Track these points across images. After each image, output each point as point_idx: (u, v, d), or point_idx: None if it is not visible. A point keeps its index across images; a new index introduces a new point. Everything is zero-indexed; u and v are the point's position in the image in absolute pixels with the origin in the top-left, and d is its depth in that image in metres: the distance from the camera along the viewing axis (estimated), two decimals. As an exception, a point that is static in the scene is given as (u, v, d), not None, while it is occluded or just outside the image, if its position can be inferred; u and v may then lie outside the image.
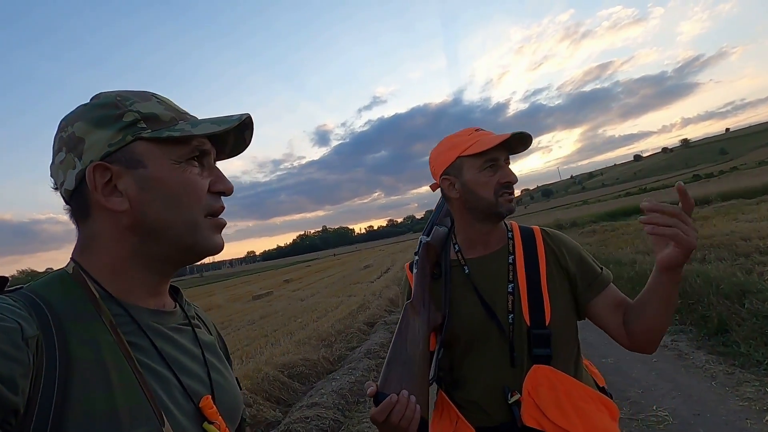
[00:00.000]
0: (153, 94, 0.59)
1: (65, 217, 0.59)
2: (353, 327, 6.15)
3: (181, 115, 0.59)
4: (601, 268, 1.01)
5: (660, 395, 2.89)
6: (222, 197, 0.61)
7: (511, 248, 1.01)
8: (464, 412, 0.95)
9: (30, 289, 0.51)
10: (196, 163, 0.58)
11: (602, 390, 0.97)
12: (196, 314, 0.70)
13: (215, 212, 0.59)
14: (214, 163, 0.63)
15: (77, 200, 0.56)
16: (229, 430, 0.58)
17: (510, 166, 1.02)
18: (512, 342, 0.93)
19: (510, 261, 0.99)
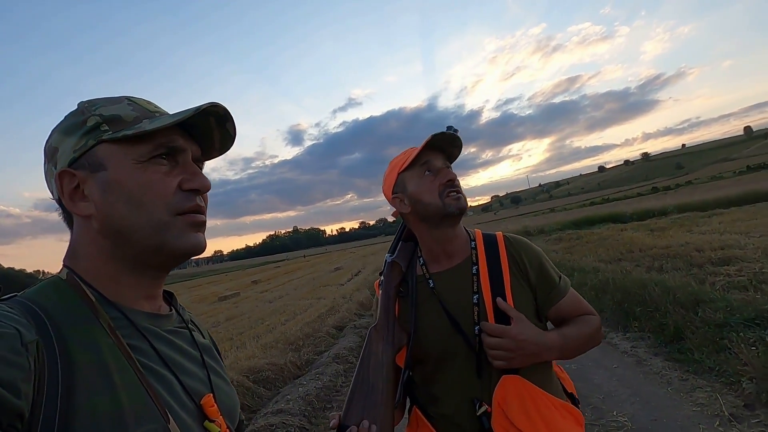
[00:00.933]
0: (127, 97, 0.59)
1: (17, 209, 0.55)
2: (322, 331, 6.06)
3: (149, 114, 0.58)
4: (560, 277, 1.02)
5: (620, 401, 2.99)
6: (200, 195, 0.59)
7: (474, 258, 1.01)
8: (437, 426, 0.95)
9: (25, 297, 0.52)
10: (165, 161, 0.57)
11: (570, 395, 1.00)
12: (191, 319, 0.70)
13: (187, 210, 0.57)
14: (200, 160, 0.62)
15: (63, 208, 0.58)
16: (228, 428, 0.59)
17: (459, 171, 1.03)
18: (478, 353, 0.93)
19: (474, 271, 0.99)
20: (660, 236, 8.57)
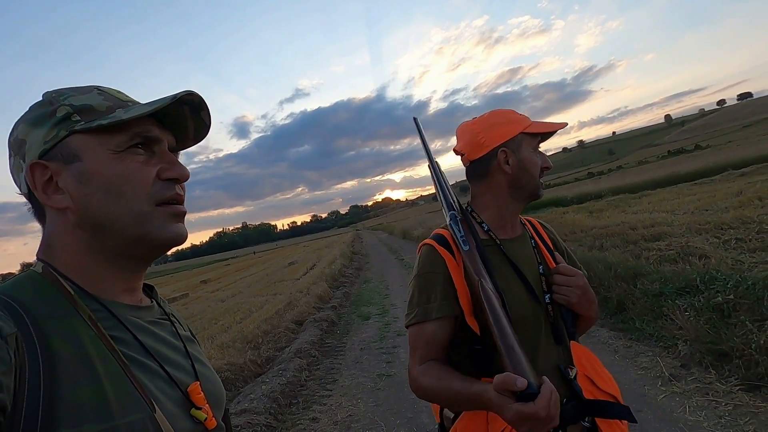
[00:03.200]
0: (96, 87, 0.58)
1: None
2: (281, 326, 5.91)
3: (122, 104, 0.57)
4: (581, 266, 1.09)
5: (573, 371, 3.19)
6: (179, 184, 0.58)
7: (530, 233, 1.06)
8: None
9: None
10: (142, 150, 0.56)
11: None
12: (171, 313, 0.69)
13: (167, 200, 0.57)
14: (175, 150, 0.61)
15: (33, 202, 0.56)
16: (215, 417, 0.59)
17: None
18: (555, 321, 0.96)
19: (533, 244, 1.03)
20: (598, 217, 9.19)
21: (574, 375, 0.91)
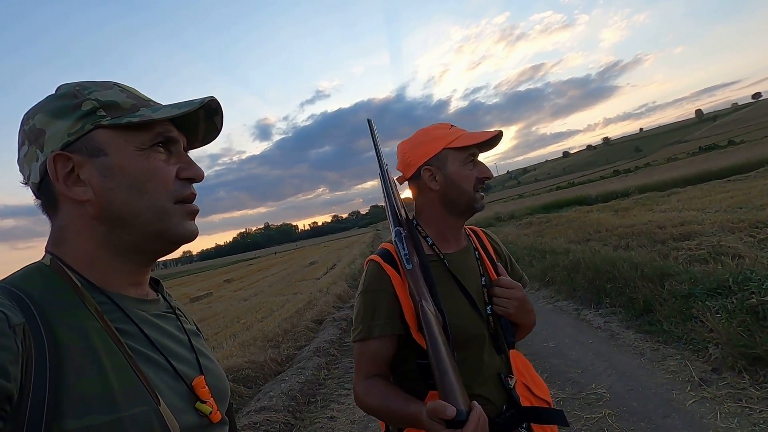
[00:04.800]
0: (115, 83, 0.59)
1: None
2: (300, 325, 5.97)
3: (144, 102, 0.59)
4: (522, 273, 1.16)
5: (597, 374, 3.09)
6: (193, 184, 0.61)
7: (474, 245, 1.08)
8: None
9: (8, 282, 0.51)
10: (162, 149, 0.58)
11: None
12: (177, 307, 0.70)
13: (185, 199, 0.59)
14: (185, 150, 0.62)
15: (45, 193, 0.56)
16: (219, 410, 0.60)
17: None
18: (495, 332, 0.99)
19: (476, 256, 1.06)
20: (624, 216, 8.93)
21: (513, 384, 0.96)
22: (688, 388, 2.64)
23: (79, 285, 0.53)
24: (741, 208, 6.77)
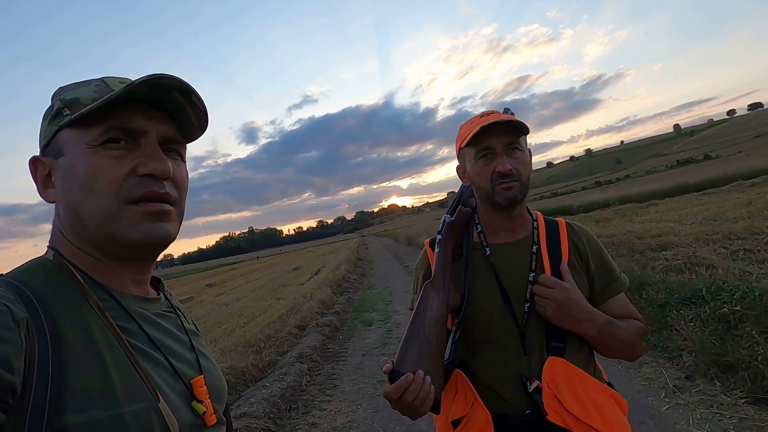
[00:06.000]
0: (102, 79, 0.57)
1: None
2: (283, 331, 5.91)
3: (108, 93, 0.54)
4: (620, 272, 1.01)
5: (576, 381, 3.14)
6: (162, 181, 0.55)
7: (535, 238, 1.00)
8: (482, 396, 0.93)
9: (11, 277, 0.51)
10: (120, 144, 0.54)
11: (609, 384, 0.98)
12: (177, 306, 0.69)
13: (141, 198, 0.54)
14: (177, 142, 0.59)
15: None
16: (216, 411, 0.59)
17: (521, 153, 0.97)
18: (523, 331, 0.93)
19: (534, 251, 0.98)
20: (605, 226, 9.12)
21: (533, 388, 0.89)
22: (663, 394, 2.71)
23: (82, 281, 0.53)
24: (715, 221, 6.99)
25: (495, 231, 1.02)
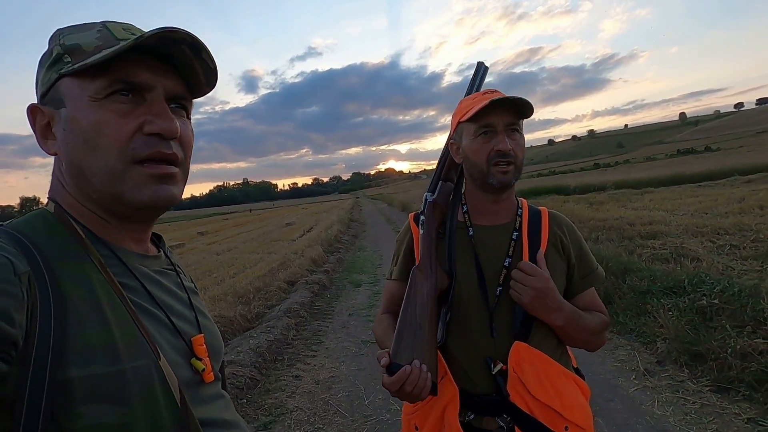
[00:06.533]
0: (103, 23, 0.54)
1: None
2: (273, 285, 6.02)
3: (115, 42, 0.51)
4: (597, 265, 1.04)
5: (552, 357, 3.28)
6: (169, 141, 0.53)
7: (517, 225, 1.01)
8: (451, 371, 0.96)
9: (12, 227, 0.50)
10: (126, 98, 0.51)
11: (576, 370, 1.02)
12: (177, 263, 0.69)
13: (147, 158, 0.52)
14: (183, 98, 0.57)
15: None
16: (213, 369, 0.60)
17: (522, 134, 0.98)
18: (492, 313, 0.95)
19: (513, 237, 0.99)
20: (598, 209, 9.18)
21: (496, 370, 0.91)
22: (633, 377, 2.84)
23: (83, 236, 0.52)
24: (706, 214, 7.06)
25: (480, 213, 1.03)
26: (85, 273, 0.49)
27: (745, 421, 2.24)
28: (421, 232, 0.99)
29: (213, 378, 0.59)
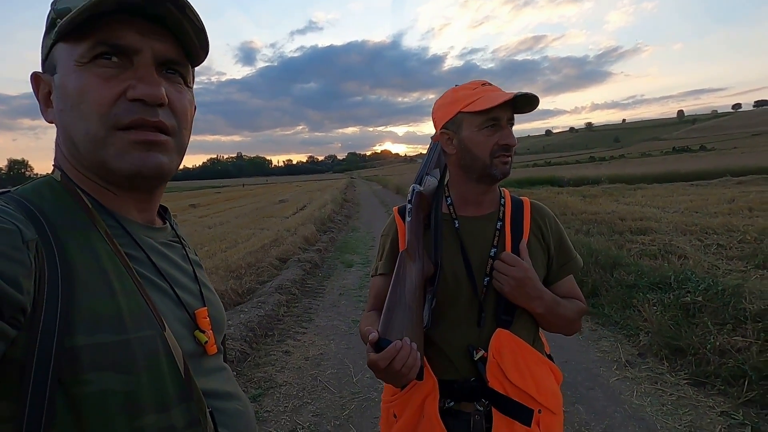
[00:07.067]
0: None
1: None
2: (265, 261, 6.03)
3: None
4: (576, 254, 1.07)
5: (537, 344, 3.36)
6: (156, 108, 0.51)
7: (500, 215, 1.03)
8: (431, 362, 0.97)
9: (19, 194, 0.50)
10: (111, 62, 0.49)
11: (549, 356, 1.06)
12: (182, 236, 0.68)
13: (130, 125, 0.50)
14: (177, 63, 0.54)
15: None
16: (216, 342, 0.61)
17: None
18: (482, 303, 0.97)
19: (498, 227, 1.01)
20: (591, 203, 9.26)
21: (478, 356, 0.94)
22: (615, 367, 2.92)
23: (90, 206, 0.51)
24: (696, 213, 7.17)
25: (465, 203, 1.04)
26: (92, 243, 0.49)
27: (719, 414, 2.33)
28: (409, 219, 0.99)
29: (215, 350, 0.60)
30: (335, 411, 2.59)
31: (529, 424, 0.92)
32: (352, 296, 4.83)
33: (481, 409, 0.95)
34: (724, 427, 2.22)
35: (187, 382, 0.51)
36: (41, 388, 0.42)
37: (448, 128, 1.00)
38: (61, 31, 0.48)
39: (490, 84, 0.99)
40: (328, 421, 2.50)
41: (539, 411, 0.93)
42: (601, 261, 4.48)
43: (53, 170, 0.55)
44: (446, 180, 1.07)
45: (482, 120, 0.95)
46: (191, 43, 0.54)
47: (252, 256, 6.27)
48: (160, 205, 0.65)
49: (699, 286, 3.34)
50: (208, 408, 0.53)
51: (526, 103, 0.96)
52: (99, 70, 0.49)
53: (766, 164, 15.48)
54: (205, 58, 0.58)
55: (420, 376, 0.88)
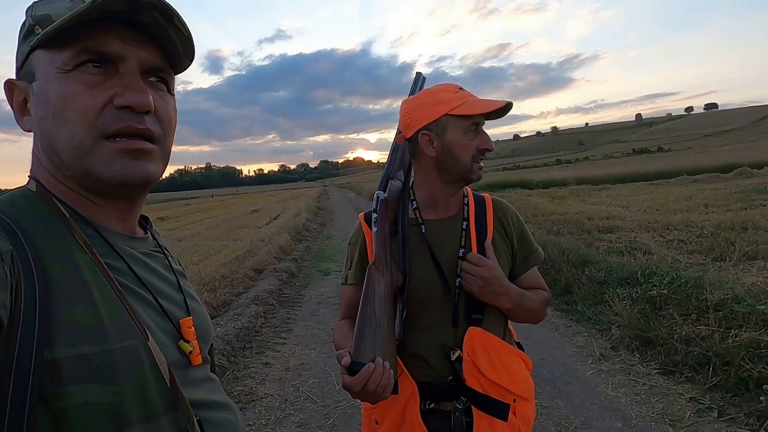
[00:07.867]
0: None
1: None
2: (239, 272, 5.90)
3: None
4: (537, 247, 1.09)
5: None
6: (143, 115, 0.50)
7: (465, 214, 1.04)
8: (409, 367, 0.98)
9: None
10: (96, 69, 0.49)
11: (518, 345, 1.09)
12: (164, 245, 0.67)
13: (116, 133, 0.49)
14: (161, 71, 0.54)
15: None
16: (202, 352, 0.60)
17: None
18: (456, 304, 0.99)
19: (464, 227, 1.02)
20: (560, 204, 9.57)
21: (455, 357, 0.96)
22: (590, 361, 3.02)
23: (67, 215, 0.50)
24: (658, 210, 7.53)
25: (433, 206, 1.04)
26: (71, 253, 0.48)
27: (688, 400, 2.45)
28: (375, 229, 0.99)
29: (201, 361, 0.59)
30: (319, 420, 2.56)
31: (506, 419, 0.95)
32: (330, 304, 4.80)
33: (461, 407, 0.96)
34: (693, 413, 2.33)
35: (173, 392, 0.50)
36: (21, 401, 0.41)
37: (431, 129, 0.97)
38: (44, 38, 0.47)
39: (464, 89, 1.01)
40: (313, 431, 2.47)
41: (514, 400, 0.96)
42: (572, 259, 4.63)
43: (28, 181, 0.54)
44: (411, 182, 1.07)
45: (468, 124, 0.96)
46: (176, 51, 0.53)
47: (226, 267, 6.12)
48: (141, 215, 0.64)
49: (664, 279, 3.51)
50: (196, 417, 0.52)
51: (500, 111, 0.99)
52: (84, 77, 0.48)
53: (717, 163, 16.45)
54: (190, 65, 0.57)
55: (395, 391, 0.88)
